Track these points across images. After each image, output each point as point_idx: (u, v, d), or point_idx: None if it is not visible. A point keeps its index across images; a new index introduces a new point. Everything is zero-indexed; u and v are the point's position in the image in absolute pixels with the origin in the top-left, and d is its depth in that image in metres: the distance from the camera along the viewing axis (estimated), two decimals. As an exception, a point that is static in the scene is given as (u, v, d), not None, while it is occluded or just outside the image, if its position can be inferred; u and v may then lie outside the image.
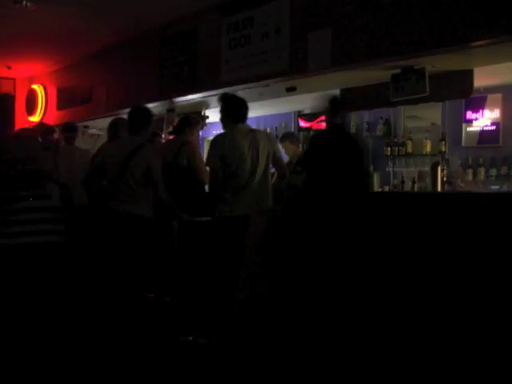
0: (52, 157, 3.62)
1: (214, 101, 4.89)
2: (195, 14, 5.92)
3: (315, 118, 7.27)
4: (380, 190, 6.37)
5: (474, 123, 6.25)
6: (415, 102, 4.81)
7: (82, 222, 3.94)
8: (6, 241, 2.89)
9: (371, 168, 4.09)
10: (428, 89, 4.44)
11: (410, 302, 3.32)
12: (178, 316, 3.89)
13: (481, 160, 6.03)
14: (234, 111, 3.78)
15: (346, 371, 2.97)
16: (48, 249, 2.98)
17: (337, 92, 5.28)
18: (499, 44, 3.76)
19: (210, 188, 3.90)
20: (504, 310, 3.03)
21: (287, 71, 4.98)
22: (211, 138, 4.18)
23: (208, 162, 3.80)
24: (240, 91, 5.54)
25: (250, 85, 5.36)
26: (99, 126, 7.90)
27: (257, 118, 7.70)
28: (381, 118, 6.66)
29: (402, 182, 6.34)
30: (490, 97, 6.09)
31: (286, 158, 5.07)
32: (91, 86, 7.67)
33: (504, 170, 5.87)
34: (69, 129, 5.51)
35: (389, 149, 6.51)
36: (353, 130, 6.76)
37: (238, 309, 3.38)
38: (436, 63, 4.37)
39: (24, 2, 5.62)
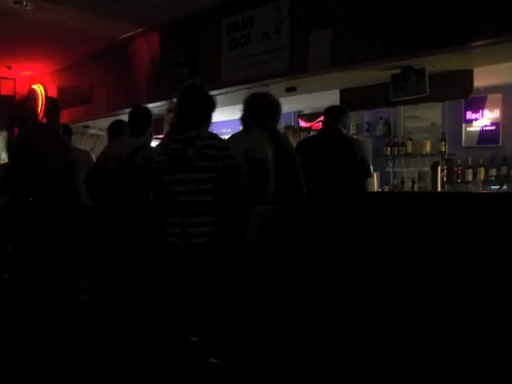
0: None
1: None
2: (195, 14, 5.92)
3: (315, 118, 7.27)
4: (380, 190, 6.37)
5: (474, 123, 6.25)
6: (415, 102, 4.81)
7: (90, 221, 3.95)
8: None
9: (371, 168, 4.07)
10: (428, 89, 4.44)
11: (409, 302, 3.32)
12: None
13: (481, 160, 6.03)
14: None
15: (346, 371, 2.97)
16: None
17: (337, 92, 5.29)
18: (499, 44, 3.75)
19: None
20: (504, 310, 3.02)
21: (287, 71, 4.98)
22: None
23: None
24: (240, 91, 5.56)
25: (250, 85, 5.35)
26: (99, 126, 7.90)
27: (257, 118, 7.70)
28: (381, 118, 6.66)
29: (402, 182, 6.34)
30: (489, 97, 6.09)
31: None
32: (91, 86, 7.67)
33: (504, 169, 5.88)
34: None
35: (389, 149, 6.51)
36: (353, 130, 6.77)
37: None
38: (436, 63, 4.37)
39: (24, 2, 5.62)
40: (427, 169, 6.16)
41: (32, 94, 6.02)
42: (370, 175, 4.02)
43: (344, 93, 5.26)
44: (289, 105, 6.89)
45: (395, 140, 6.57)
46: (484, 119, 6.18)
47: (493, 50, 3.95)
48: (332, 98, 5.32)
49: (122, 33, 6.60)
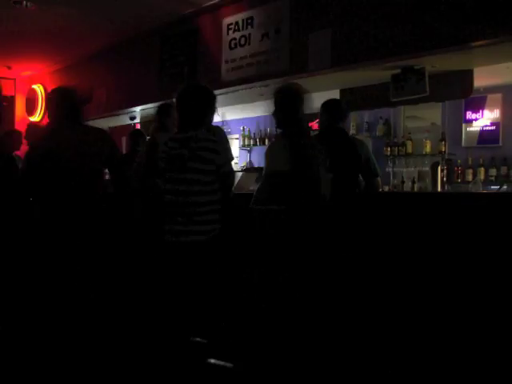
0: None
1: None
2: (195, 14, 5.92)
3: (315, 118, 7.26)
4: (380, 190, 6.36)
5: (474, 123, 6.25)
6: (415, 102, 4.81)
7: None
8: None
9: (377, 167, 4.06)
10: (428, 89, 4.44)
11: (409, 303, 3.32)
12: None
13: (481, 160, 6.03)
14: None
15: (346, 372, 2.97)
16: None
17: (337, 92, 5.28)
18: (499, 44, 3.76)
19: None
20: (504, 310, 3.03)
21: (287, 71, 4.98)
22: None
23: None
24: (240, 91, 5.56)
25: (250, 85, 5.36)
26: (99, 126, 7.89)
27: (257, 118, 7.71)
28: (381, 117, 6.66)
29: (402, 182, 6.33)
30: (489, 97, 6.09)
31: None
32: (91, 86, 7.66)
33: (504, 169, 5.87)
34: None
35: (389, 149, 6.50)
36: (353, 130, 6.77)
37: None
38: (436, 63, 4.37)
39: (24, 2, 5.62)
40: (427, 169, 6.16)
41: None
42: (377, 174, 4.01)
43: (344, 93, 5.26)
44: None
45: (395, 140, 6.57)
46: (484, 119, 6.18)
47: (493, 50, 3.95)
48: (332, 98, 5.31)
49: (122, 33, 6.60)
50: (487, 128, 6.16)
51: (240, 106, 6.66)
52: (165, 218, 3.00)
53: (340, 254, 3.35)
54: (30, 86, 9.02)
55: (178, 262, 2.97)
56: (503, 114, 6.05)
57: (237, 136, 8.04)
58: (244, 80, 5.37)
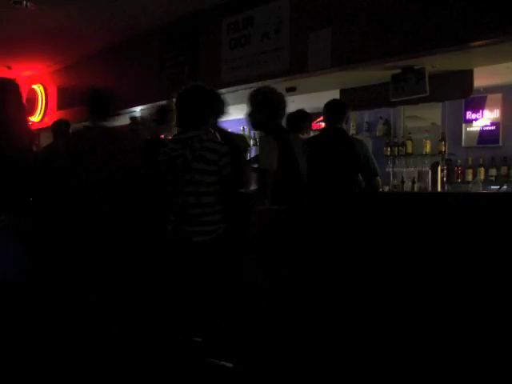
0: None
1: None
2: (195, 14, 5.92)
3: (315, 118, 7.26)
4: (380, 190, 6.36)
5: (474, 123, 6.25)
6: (415, 102, 4.81)
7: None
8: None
9: (377, 167, 4.07)
10: (428, 89, 4.44)
11: (409, 303, 3.32)
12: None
13: (481, 160, 6.03)
14: None
15: (346, 372, 2.97)
16: None
17: (337, 92, 5.28)
18: (499, 44, 3.76)
19: None
20: (504, 310, 3.02)
21: (287, 71, 4.98)
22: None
23: None
24: (240, 91, 5.56)
25: (250, 85, 5.35)
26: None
27: (257, 118, 7.70)
28: (381, 118, 6.66)
29: (402, 182, 6.33)
30: (489, 97, 6.09)
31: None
32: (91, 86, 7.65)
33: (504, 169, 5.87)
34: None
35: (389, 149, 6.50)
36: (353, 130, 6.77)
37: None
38: (436, 63, 4.37)
39: (24, 2, 5.62)
40: (427, 169, 6.15)
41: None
42: (377, 174, 4.01)
43: (344, 93, 5.26)
44: (288, 105, 6.90)
45: (395, 140, 6.57)
46: (484, 119, 6.18)
47: (493, 50, 3.95)
48: (332, 98, 5.31)
49: (122, 33, 6.60)
50: (487, 128, 6.16)
51: (240, 105, 6.65)
52: (167, 219, 2.99)
53: (340, 253, 3.35)
54: (30, 86, 9.02)
55: (182, 262, 2.96)
56: (503, 114, 6.05)
57: (236, 136, 8.02)
58: (244, 80, 5.37)
